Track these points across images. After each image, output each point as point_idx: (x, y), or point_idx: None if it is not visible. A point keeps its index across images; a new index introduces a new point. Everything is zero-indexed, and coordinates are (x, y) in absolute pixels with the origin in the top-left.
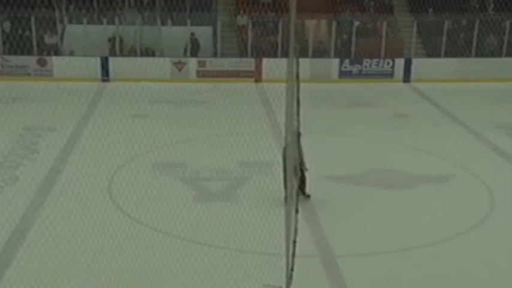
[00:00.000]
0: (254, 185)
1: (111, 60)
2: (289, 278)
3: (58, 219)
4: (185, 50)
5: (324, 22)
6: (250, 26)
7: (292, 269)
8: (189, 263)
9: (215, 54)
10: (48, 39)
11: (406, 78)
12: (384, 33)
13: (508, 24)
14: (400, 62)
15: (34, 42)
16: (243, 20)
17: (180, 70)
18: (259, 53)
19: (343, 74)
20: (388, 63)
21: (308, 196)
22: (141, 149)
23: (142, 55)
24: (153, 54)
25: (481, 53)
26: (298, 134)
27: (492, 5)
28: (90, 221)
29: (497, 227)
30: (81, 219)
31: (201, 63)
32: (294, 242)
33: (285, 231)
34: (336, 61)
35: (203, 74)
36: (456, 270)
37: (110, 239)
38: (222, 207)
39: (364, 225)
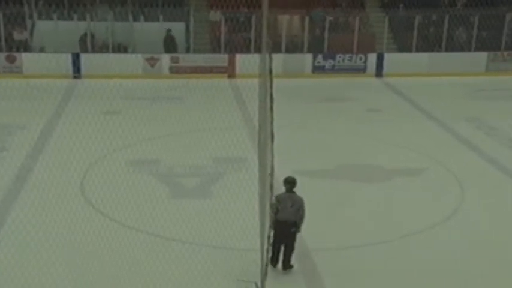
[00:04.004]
0: (228, 181)
1: (83, 57)
2: (264, 273)
3: (29, 217)
4: (165, 46)
5: (296, 17)
6: (223, 22)
7: (267, 264)
8: (164, 260)
9: (188, 50)
10: (17, 36)
11: (379, 73)
12: (356, 29)
13: (476, 19)
14: (372, 57)
15: (3, 39)
16: (216, 15)
17: (153, 66)
18: (233, 48)
19: (317, 69)
20: (360, 58)
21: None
22: (113, 146)
23: (114, 51)
24: (125, 51)
25: (451, 48)
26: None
27: (461, 0)
28: (62, 219)
29: (467, 220)
30: (53, 217)
31: (174, 59)
32: (269, 237)
33: (259, 227)
34: (309, 56)
35: (176, 70)
36: (428, 262)
37: (83, 237)
38: (196, 204)
39: (338, 219)
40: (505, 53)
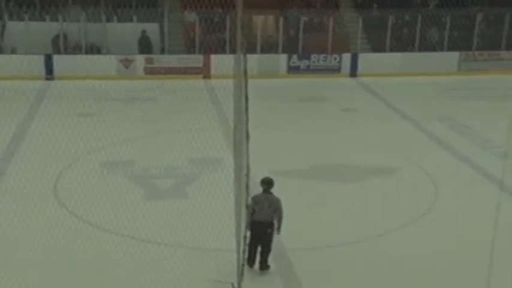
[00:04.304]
0: (204, 182)
1: (55, 58)
2: (241, 273)
3: (0, 221)
4: (139, 47)
5: (271, 18)
6: (197, 23)
7: (243, 265)
8: (139, 262)
9: (163, 51)
10: None
11: (353, 73)
12: (330, 29)
13: (448, 19)
14: (346, 57)
15: None
16: (190, 16)
17: (127, 67)
18: (207, 49)
19: (292, 70)
20: (335, 59)
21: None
22: (87, 148)
23: (87, 52)
24: (98, 52)
25: (424, 48)
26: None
27: (433, 1)
28: (36, 222)
29: (441, 219)
30: (26, 221)
31: (149, 60)
32: (245, 237)
33: (235, 227)
34: (284, 57)
35: (151, 71)
36: (403, 260)
37: (57, 240)
38: (171, 205)
39: (314, 218)
40: (476, 53)
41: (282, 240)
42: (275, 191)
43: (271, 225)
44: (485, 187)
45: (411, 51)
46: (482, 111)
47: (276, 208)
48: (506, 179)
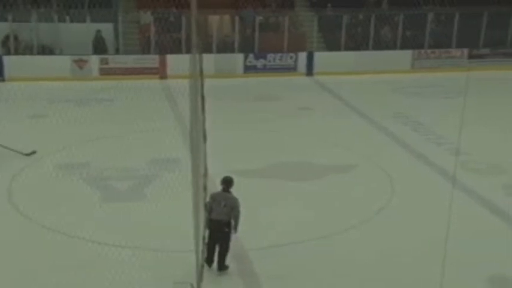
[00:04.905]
0: (162, 183)
1: (6, 59)
2: (200, 274)
3: None
4: (94, 47)
5: (227, 17)
6: (152, 22)
7: (202, 266)
8: (97, 265)
9: (117, 52)
10: None
11: (309, 71)
12: (286, 28)
13: (401, 18)
14: (302, 56)
15: None
16: (145, 16)
17: (81, 68)
18: (163, 49)
19: (248, 69)
20: (291, 57)
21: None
22: (41, 150)
23: (39, 53)
24: (51, 52)
25: (378, 46)
26: (204, 136)
27: (386, 0)
28: None
29: (398, 215)
30: None
31: (104, 61)
32: (204, 237)
33: (194, 228)
34: (240, 56)
35: (106, 72)
36: (362, 257)
37: (11, 245)
38: (129, 207)
39: (272, 217)
40: (429, 51)
41: (240, 239)
42: (236, 189)
43: (228, 224)
44: (439, 183)
45: (365, 49)
46: (435, 108)
47: (232, 207)
48: (459, 175)
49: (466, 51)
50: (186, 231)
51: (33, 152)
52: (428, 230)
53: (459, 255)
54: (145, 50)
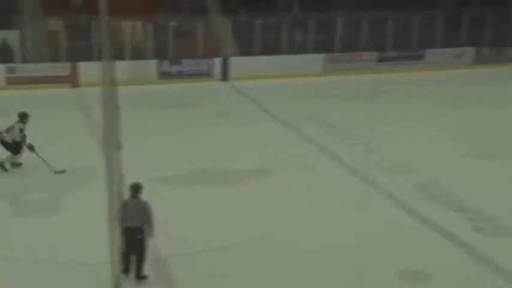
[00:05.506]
0: (77, 193)
1: None
2: (117, 285)
3: None
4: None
5: (139, 24)
6: (63, 29)
7: (118, 277)
8: (12, 284)
9: (25, 60)
10: None
11: (224, 77)
12: (200, 34)
13: (312, 22)
14: (217, 62)
15: None
16: (55, 23)
17: None
18: (74, 56)
19: (163, 75)
20: (206, 63)
21: None
22: None
23: None
24: None
25: (290, 50)
26: (119, 145)
27: (297, 5)
28: None
29: (315, 220)
30: None
31: (10, 70)
32: (119, 247)
33: (109, 237)
34: (154, 62)
35: (13, 81)
36: (282, 261)
37: None
38: (43, 220)
39: (192, 223)
40: (340, 55)
41: (159, 246)
42: (152, 197)
43: (140, 231)
44: (354, 183)
45: (278, 54)
46: (348, 110)
47: (143, 212)
48: (372, 174)
49: (375, 54)
50: (101, 242)
51: (63, 171)
52: (344, 229)
53: (374, 251)
54: (55, 58)
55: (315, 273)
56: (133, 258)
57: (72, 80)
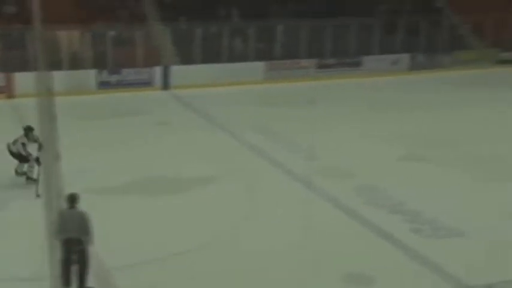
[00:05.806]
0: (14, 207)
1: None
2: None
3: None
4: None
5: (77, 33)
6: None
7: None
8: None
9: None
10: None
11: (165, 85)
12: (139, 42)
13: (252, 31)
14: (158, 70)
15: None
16: None
17: None
18: (9, 67)
19: (102, 85)
20: (146, 72)
21: None
22: None
23: None
24: None
25: (231, 58)
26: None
27: (237, 13)
28: None
29: (260, 223)
30: None
31: None
32: (60, 260)
33: (47, 252)
34: (93, 72)
35: None
36: (230, 268)
37: None
38: None
39: (136, 233)
40: (280, 62)
41: (103, 258)
42: (94, 208)
43: (79, 242)
44: (297, 189)
45: (219, 62)
46: (289, 117)
47: (82, 222)
48: (315, 180)
49: (314, 61)
50: (40, 257)
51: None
52: (288, 233)
53: (317, 254)
54: None
55: (259, 277)
56: (74, 270)
57: (7, 91)
